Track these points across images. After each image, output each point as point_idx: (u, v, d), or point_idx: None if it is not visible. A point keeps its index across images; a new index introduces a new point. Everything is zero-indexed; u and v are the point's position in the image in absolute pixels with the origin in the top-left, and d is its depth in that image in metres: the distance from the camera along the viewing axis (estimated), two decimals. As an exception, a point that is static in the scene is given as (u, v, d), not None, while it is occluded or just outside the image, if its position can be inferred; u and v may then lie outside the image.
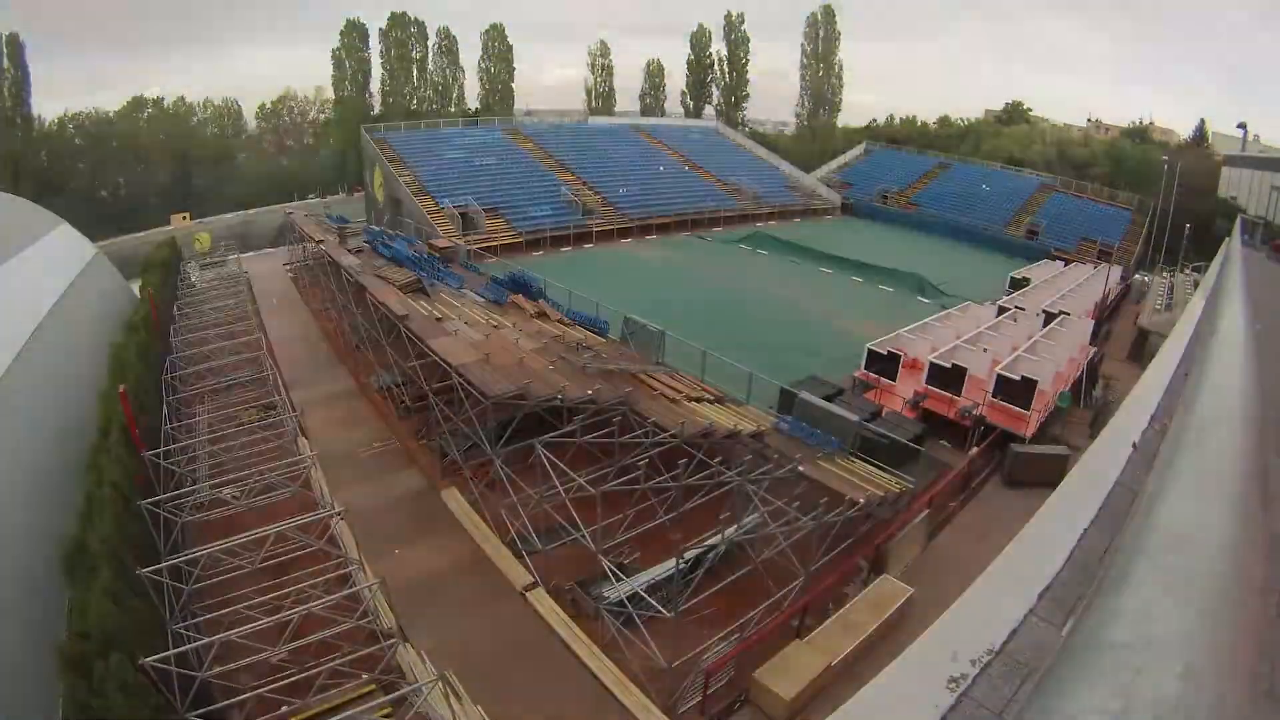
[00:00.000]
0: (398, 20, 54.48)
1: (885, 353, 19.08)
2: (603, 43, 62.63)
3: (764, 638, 10.05)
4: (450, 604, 11.14)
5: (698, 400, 15.35)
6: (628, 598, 10.33)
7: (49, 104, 45.95)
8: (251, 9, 64.55)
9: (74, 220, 22.90)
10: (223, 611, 8.63)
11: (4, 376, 10.89)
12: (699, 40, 63.39)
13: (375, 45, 54.27)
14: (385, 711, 7.94)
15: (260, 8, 66.06)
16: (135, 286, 21.65)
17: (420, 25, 55.49)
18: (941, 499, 14.40)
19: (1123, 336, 26.90)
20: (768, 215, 47.34)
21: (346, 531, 10.57)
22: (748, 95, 64.32)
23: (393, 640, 8.37)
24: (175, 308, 19.79)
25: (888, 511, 12.88)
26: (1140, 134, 61.42)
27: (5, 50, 42.56)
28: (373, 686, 8.29)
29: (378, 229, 29.92)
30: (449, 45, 56.55)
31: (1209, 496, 1.79)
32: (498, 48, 58.11)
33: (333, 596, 8.60)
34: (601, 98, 62.83)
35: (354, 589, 9.01)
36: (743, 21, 62.50)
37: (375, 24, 54.04)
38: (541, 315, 19.70)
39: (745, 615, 10.52)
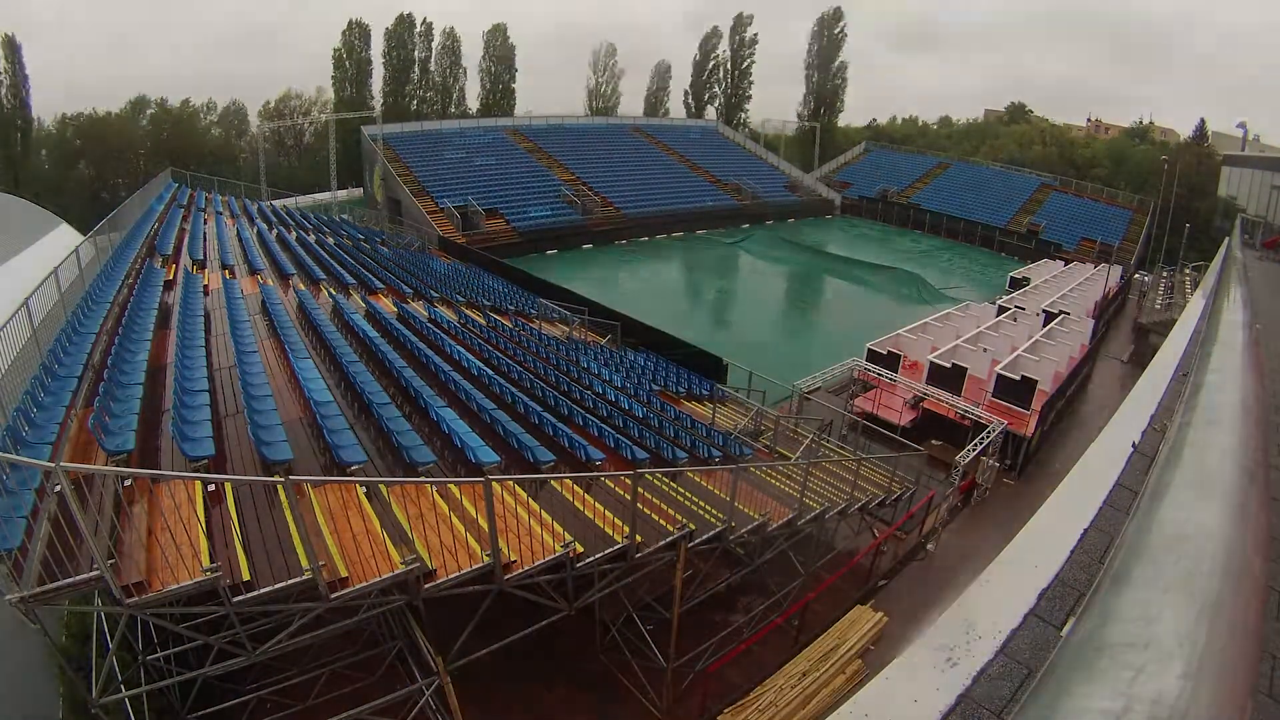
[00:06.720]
0: (401, 21, 54.38)
1: (885, 352, 19.07)
2: (608, 44, 62.80)
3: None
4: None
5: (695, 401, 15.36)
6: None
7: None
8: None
9: (73, 220, 23.03)
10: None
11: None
12: (708, 42, 63.37)
13: (377, 46, 54.15)
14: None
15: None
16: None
17: (427, 25, 55.39)
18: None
19: (1122, 335, 26.94)
20: (767, 215, 47.34)
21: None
22: (750, 96, 64.38)
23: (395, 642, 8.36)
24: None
25: (888, 512, 12.90)
26: (1141, 134, 61.38)
27: (1, 51, 42.21)
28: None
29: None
30: (451, 46, 56.41)
31: (1209, 496, 1.79)
32: (499, 48, 58.00)
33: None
34: (604, 98, 62.84)
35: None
36: (749, 23, 62.52)
37: (380, 24, 53.97)
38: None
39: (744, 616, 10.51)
